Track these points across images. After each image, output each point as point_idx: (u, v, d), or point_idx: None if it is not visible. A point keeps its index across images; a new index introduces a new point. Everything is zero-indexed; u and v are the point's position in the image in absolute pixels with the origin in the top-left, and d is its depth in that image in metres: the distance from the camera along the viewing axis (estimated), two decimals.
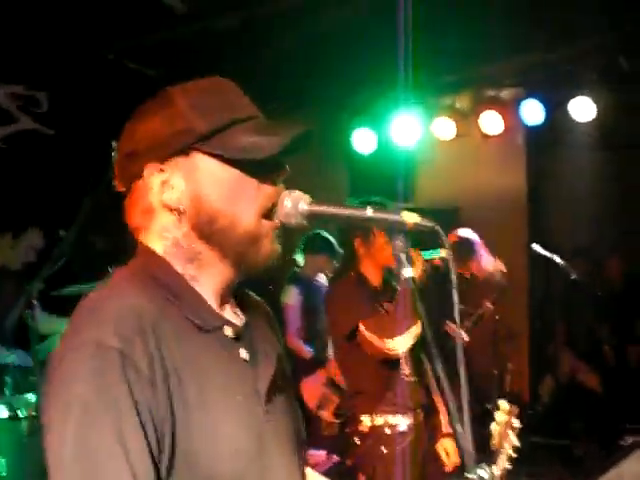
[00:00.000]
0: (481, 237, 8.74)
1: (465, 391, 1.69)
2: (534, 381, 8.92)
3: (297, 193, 1.67)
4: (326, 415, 5.74)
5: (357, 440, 3.70)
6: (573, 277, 7.74)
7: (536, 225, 9.13)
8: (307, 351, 5.87)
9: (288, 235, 1.69)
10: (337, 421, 5.82)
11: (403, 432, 3.67)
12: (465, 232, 6.43)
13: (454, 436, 1.66)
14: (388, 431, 3.66)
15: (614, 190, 9.08)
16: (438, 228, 1.64)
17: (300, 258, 6.18)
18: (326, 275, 6.29)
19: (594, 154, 8.94)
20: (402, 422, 3.67)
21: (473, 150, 8.91)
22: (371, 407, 3.67)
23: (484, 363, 8.29)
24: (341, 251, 6.12)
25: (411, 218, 1.63)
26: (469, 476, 1.63)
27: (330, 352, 5.88)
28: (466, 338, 6.52)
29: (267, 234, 1.63)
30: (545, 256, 7.90)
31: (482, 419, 8.17)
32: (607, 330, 8.06)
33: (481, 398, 8.24)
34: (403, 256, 1.64)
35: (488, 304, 6.95)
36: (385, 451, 3.58)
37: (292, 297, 6.05)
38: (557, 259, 7.80)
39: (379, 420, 3.65)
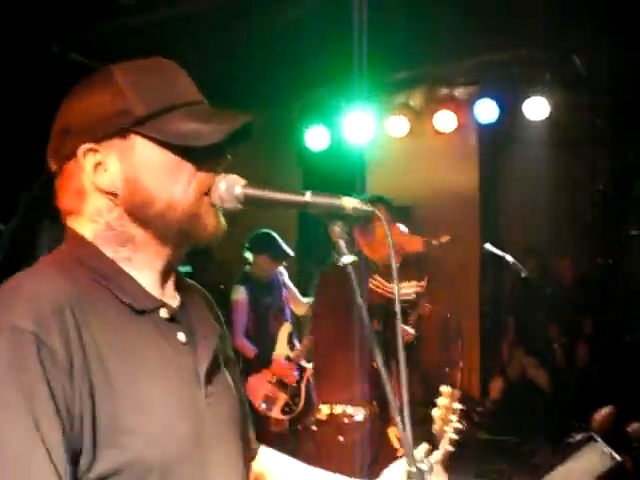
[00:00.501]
0: (432, 233, 8.79)
1: (405, 384, 1.65)
2: (484, 378, 8.97)
3: (232, 176, 1.62)
4: (274, 412, 5.72)
5: (314, 427, 3.75)
6: (524, 275, 7.79)
7: (488, 223, 9.19)
8: (251, 350, 5.81)
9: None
10: (285, 417, 5.81)
11: (359, 422, 3.72)
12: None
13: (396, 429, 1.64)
14: (346, 420, 3.67)
15: (567, 188, 9.17)
16: (377, 213, 1.60)
17: (249, 257, 6.13)
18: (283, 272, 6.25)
19: (547, 152, 9.01)
20: (359, 413, 3.69)
21: (426, 148, 8.94)
22: (332, 396, 3.69)
23: (435, 361, 8.34)
24: (289, 252, 6.08)
25: (350, 202, 1.59)
26: (409, 469, 1.60)
27: (276, 353, 5.86)
28: (412, 332, 6.51)
29: (208, 210, 1.58)
30: (497, 254, 7.95)
31: (431, 417, 8.24)
32: (557, 328, 8.13)
33: (432, 395, 8.29)
34: (342, 242, 1.61)
35: (427, 305, 6.94)
36: (342, 439, 3.61)
37: (240, 296, 6.00)
38: (508, 257, 7.84)
39: (338, 409, 3.69)
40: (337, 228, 1.60)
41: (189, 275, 1.84)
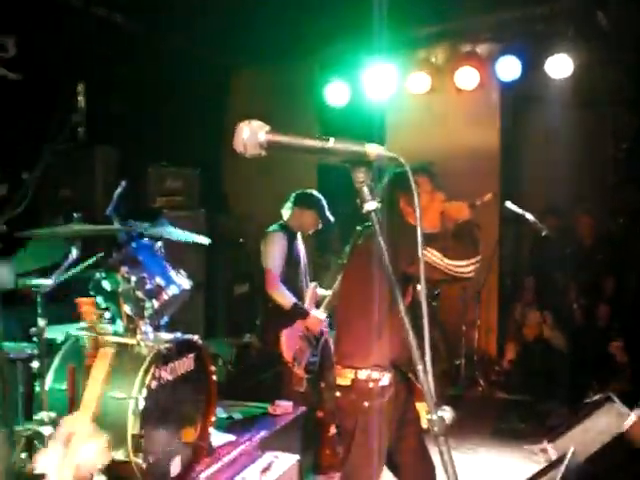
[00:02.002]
0: (453, 193, 8.74)
1: (427, 337, 1.65)
2: (501, 338, 8.97)
3: (256, 122, 1.61)
4: (298, 370, 5.70)
5: (338, 393, 3.69)
6: (544, 234, 7.75)
7: (508, 182, 9.11)
8: (290, 300, 5.70)
9: None
10: (307, 376, 5.80)
11: (384, 387, 3.64)
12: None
13: (416, 376, 1.64)
14: (371, 385, 3.64)
15: (589, 147, 9.09)
16: (401, 159, 1.59)
17: (287, 212, 6.07)
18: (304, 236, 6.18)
19: (569, 111, 8.92)
20: (384, 377, 3.65)
21: (447, 105, 8.85)
22: (356, 361, 3.64)
23: (453, 319, 8.34)
24: (332, 218, 6.05)
25: (374, 149, 1.58)
26: (431, 417, 1.61)
27: (307, 305, 5.81)
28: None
29: None
30: (516, 213, 7.91)
31: (451, 375, 8.26)
32: (576, 288, 8.08)
33: (450, 354, 8.31)
34: (366, 189, 1.60)
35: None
36: (366, 405, 3.57)
37: (277, 241, 5.90)
38: (528, 216, 7.80)
39: (362, 374, 3.64)
40: (360, 174, 1.59)
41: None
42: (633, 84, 8.97)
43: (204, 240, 4.64)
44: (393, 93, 8.28)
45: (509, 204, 7.91)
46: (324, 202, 6.05)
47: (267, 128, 1.61)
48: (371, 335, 3.62)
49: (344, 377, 3.70)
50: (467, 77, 8.33)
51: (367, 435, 3.53)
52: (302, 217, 5.98)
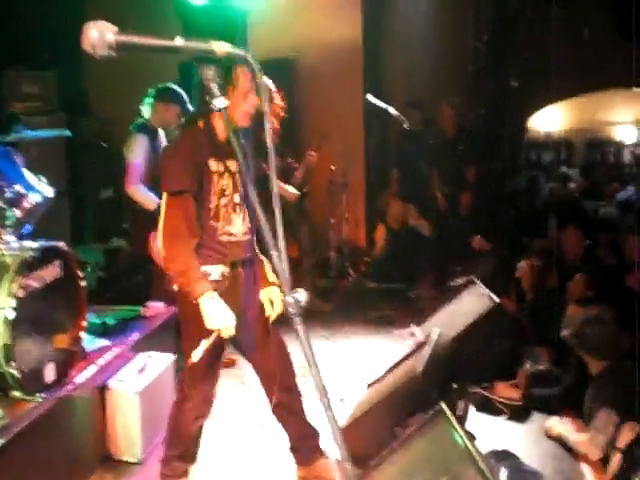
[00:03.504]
0: (317, 87, 8.78)
1: (279, 224, 1.70)
2: (370, 229, 9.18)
3: (102, 23, 1.60)
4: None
5: (175, 287, 3.70)
6: (406, 127, 7.92)
7: (371, 76, 9.19)
8: (152, 201, 5.44)
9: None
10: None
11: (216, 280, 3.65)
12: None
13: (272, 264, 1.70)
14: None
15: (450, 39, 9.24)
16: (249, 56, 1.62)
17: (147, 109, 5.90)
18: (166, 131, 6.05)
19: (430, 3, 9.02)
20: (215, 270, 3.68)
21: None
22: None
23: (321, 213, 8.48)
24: (191, 107, 5.92)
25: (222, 47, 1.61)
26: (286, 299, 1.68)
27: None
28: (296, 192, 6.58)
29: None
30: (380, 107, 8.02)
31: (320, 268, 8.42)
32: (439, 178, 8.26)
33: (320, 247, 8.47)
34: (215, 85, 1.63)
35: (311, 153, 7.01)
36: None
37: (138, 147, 5.74)
38: (391, 110, 7.93)
39: None
40: (209, 71, 1.61)
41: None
42: None
43: (64, 133, 4.52)
44: None
45: (370, 97, 8.03)
46: (185, 96, 5.93)
47: (115, 29, 1.60)
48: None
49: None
50: None
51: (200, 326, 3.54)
52: (165, 112, 5.84)
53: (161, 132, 5.89)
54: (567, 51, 8.39)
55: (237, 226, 3.74)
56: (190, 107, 5.87)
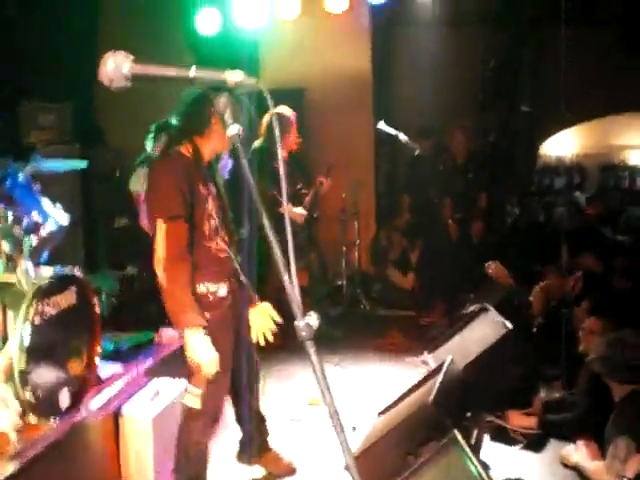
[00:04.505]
0: (327, 116, 8.84)
1: (291, 248, 1.74)
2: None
3: (120, 53, 1.65)
4: None
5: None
6: (417, 153, 7.95)
7: (381, 104, 9.26)
8: None
9: None
10: None
11: (223, 297, 3.81)
12: (282, 108, 6.45)
13: (284, 288, 1.73)
14: (210, 298, 3.77)
15: (459, 66, 9.30)
16: (260, 85, 1.67)
17: (150, 144, 6.04)
18: None
19: (438, 32, 9.09)
20: (222, 287, 3.80)
21: (318, 30, 8.87)
22: (194, 277, 3.73)
23: (332, 239, 8.51)
24: None
25: (234, 76, 1.65)
26: (298, 324, 1.71)
27: None
28: (302, 213, 6.66)
29: None
30: (390, 134, 8.07)
31: (333, 296, 8.43)
32: (451, 204, 8.24)
33: (331, 276, 8.50)
34: (227, 114, 1.67)
35: (321, 178, 7.07)
36: (208, 315, 3.67)
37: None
38: (401, 136, 7.98)
39: (202, 288, 3.75)
40: (222, 100, 1.66)
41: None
42: (501, 1, 9.21)
43: (80, 164, 4.59)
44: (263, 20, 8.24)
45: (382, 125, 8.08)
46: None
47: (131, 58, 1.65)
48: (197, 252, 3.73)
49: None
50: (336, 0, 8.34)
51: (214, 342, 3.64)
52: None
53: None
54: (577, 75, 8.42)
55: (224, 245, 3.87)
56: None
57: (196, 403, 3.74)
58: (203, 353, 3.55)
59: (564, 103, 7.79)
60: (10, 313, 3.78)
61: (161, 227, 3.60)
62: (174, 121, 3.86)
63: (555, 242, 8.26)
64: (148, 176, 3.88)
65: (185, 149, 3.76)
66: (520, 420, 5.14)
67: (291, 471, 4.65)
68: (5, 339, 3.74)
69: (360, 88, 8.99)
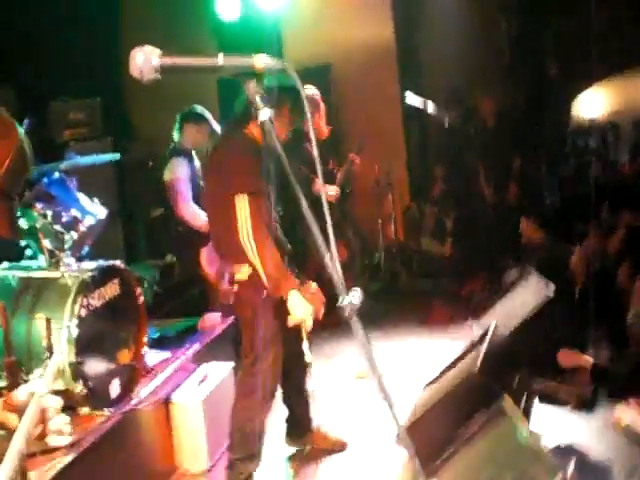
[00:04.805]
0: (354, 90, 8.79)
1: (330, 227, 1.76)
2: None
3: (148, 47, 1.66)
4: (223, 285, 5.75)
5: (236, 287, 3.87)
6: (447, 122, 7.89)
7: (407, 75, 9.17)
8: (202, 218, 5.56)
9: None
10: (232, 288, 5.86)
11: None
12: (308, 88, 6.40)
13: (325, 268, 1.75)
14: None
15: (483, 30, 9.20)
16: (287, 66, 1.67)
17: (177, 134, 6.09)
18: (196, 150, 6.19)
19: None
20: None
21: (339, 3, 8.82)
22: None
23: (368, 214, 8.49)
24: (218, 127, 6.09)
25: (261, 60, 1.66)
26: (341, 302, 1.73)
27: None
28: (334, 192, 6.60)
29: None
30: (418, 104, 8.02)
31: (371, 270, 8.41)
32: (485, 170, 8.16)
33: (368, 247, 8.47)
34: (258, 98, 1.69)
35: (352, 155, 7.01)
36: (264, 296, 3.79)
37: (179, 168, 5.91)
38: (430, 107, 7.93)
39: None
40: (251, 85, 1.67)
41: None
42: None
43: (114, 157, 4.65)
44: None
45: (409, 95, 8.02)
46: (209, 114, 6.12)
47: (159, 52, 1.67)
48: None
49: (241, 272, 3.87)
50: None
51: (267, 323, 3.82)
52: (197, 133, 6.02)
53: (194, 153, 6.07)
54: (606, 32, 8.29)
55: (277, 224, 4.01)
56: (215, 125, 6.05)
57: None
58: (305, 308, 3.72)
59: (594, 61, 7.68)
60: (55, 311, 3.85)
61: (244, 202, 3.69)
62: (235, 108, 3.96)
63: (593, 202, 8.18)
64: (217, 156, 4.05)
65: (247, 131, 3.84)
66: (573, 358, 5.01)
67: (341, 446, 4.70)
68: (50, 348, 3.78)
69: (385, 61, 8.90)
